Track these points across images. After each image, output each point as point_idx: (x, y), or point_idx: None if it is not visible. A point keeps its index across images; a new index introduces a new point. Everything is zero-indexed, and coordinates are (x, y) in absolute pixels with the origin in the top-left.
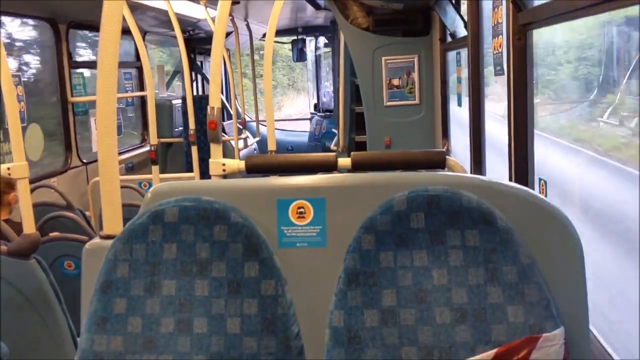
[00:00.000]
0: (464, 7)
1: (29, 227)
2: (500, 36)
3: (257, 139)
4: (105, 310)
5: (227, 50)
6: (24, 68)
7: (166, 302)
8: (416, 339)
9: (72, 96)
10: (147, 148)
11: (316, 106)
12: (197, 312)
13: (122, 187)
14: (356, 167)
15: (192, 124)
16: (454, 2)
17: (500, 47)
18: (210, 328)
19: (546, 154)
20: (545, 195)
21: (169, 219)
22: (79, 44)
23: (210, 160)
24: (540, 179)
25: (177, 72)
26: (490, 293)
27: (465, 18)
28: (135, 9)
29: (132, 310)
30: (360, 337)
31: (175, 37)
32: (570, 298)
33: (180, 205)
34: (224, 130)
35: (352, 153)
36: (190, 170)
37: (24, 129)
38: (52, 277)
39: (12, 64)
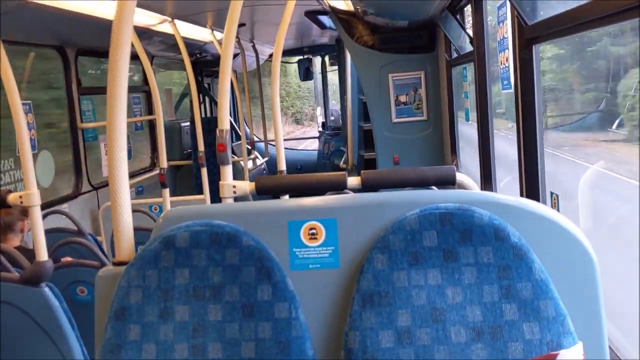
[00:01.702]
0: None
1: (42, 254)
2: (507, 51)
3: (266, 159)
4: (119, 337)
5: (234, 71)
6: None
7: (180, 327)
8: (432, 358)
9: (81, 122)
10: (156, 171)
11: (324, 124)
12: (211, 337)
13: (132, 211)
14: (366, 185)
15: (201, 146)
16: (458, 17)
17: (506, 61)
18: (225, 353)
19: None
20: (558, 210)
21: (181, 244)
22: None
23: (220, 182)
24: (552, 193)
25: (185, 94)
26: (506, 310)
27: (470, 33)
28: (142, 33)
29: (146, 337)
30: (376, 358)
31: (182, 60)
32: (586, 313)
33: (191, 230)
34: (233, 152)
35: (361, 172)
36: (200, 192)
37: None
38: (64, 304)
39: None
